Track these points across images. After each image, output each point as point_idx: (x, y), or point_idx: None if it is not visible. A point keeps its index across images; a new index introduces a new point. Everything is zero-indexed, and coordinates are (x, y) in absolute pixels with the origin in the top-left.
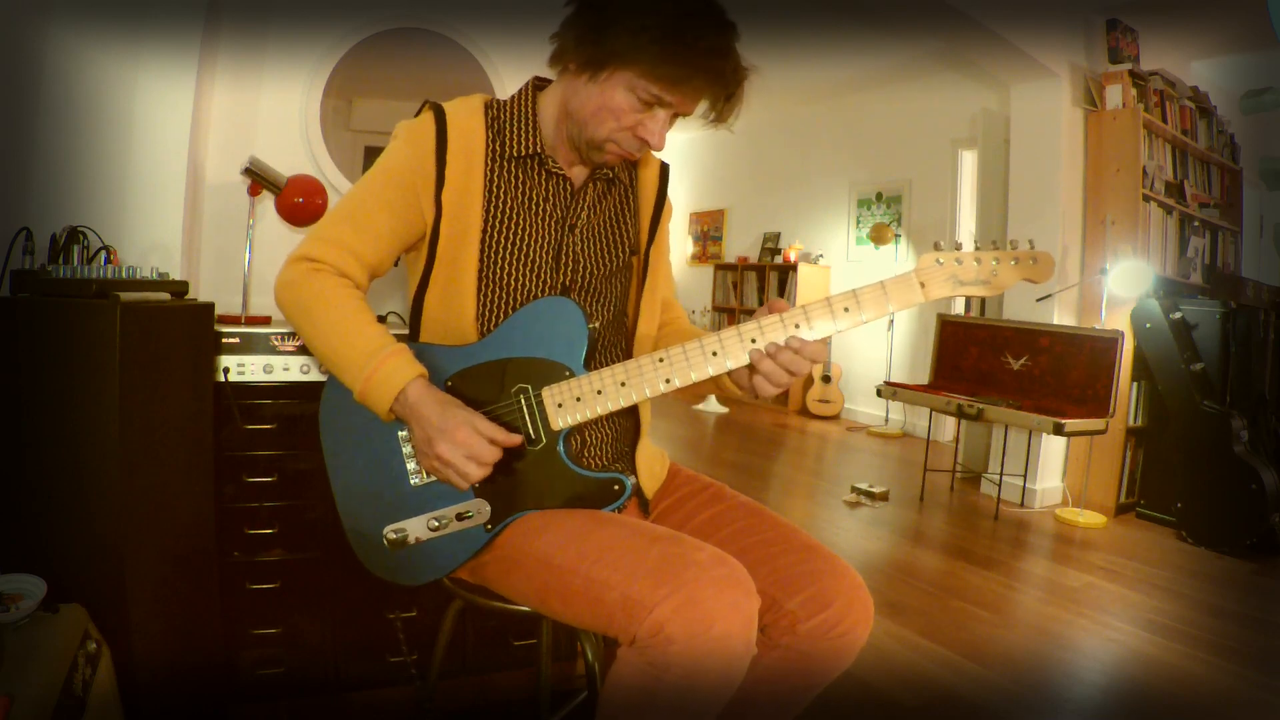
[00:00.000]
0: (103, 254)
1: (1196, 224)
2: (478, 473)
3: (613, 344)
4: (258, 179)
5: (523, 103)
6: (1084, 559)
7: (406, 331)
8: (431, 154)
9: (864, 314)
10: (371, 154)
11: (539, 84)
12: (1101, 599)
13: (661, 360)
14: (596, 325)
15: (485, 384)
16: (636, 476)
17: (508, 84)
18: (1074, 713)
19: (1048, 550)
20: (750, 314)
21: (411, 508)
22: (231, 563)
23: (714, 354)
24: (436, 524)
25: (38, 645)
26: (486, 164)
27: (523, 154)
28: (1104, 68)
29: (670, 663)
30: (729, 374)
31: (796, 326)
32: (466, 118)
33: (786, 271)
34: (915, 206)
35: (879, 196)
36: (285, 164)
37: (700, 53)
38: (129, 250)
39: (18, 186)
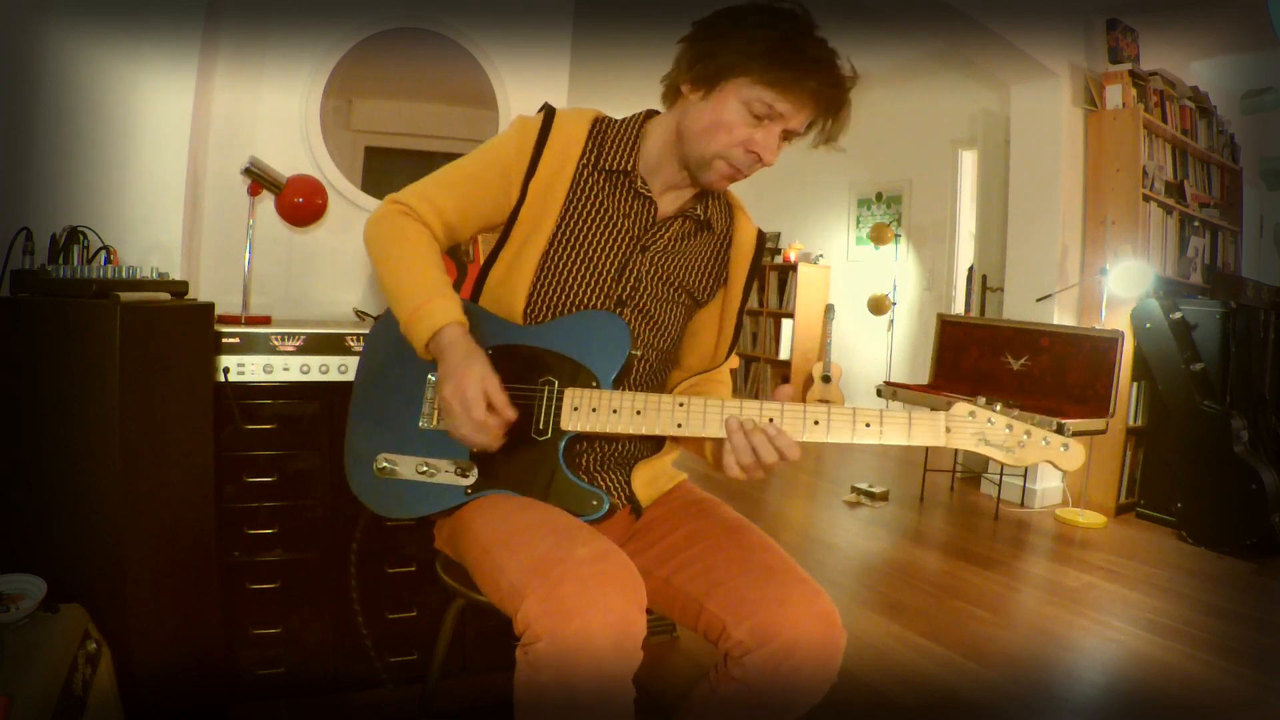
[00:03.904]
0: (103, 254)
1: (1196, 224)
2: (466, 424)
3: (659, 373)
4: (258, 179)
5: (630, 124)
6: (1084, 559)
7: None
8: (531, 145)
9: (885, 436)
10: (371, 154)
11: (651, 113)
12: (1101, 599)
13: (681, 405)
14: (638, 353)
15: (520, 364)
16: (631, 486)
17: (508, 84)
18: (1074, 713)
19: (1048, 550)
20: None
21: (409, 446)
22: (231, 563)
23: (730, 419)
24: (426, 469)
25: (38, 645)
26: (578, 169)
27: (614, 169)
28: (1104, 68)
29: (541, 661)
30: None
31: (816, 424)
32: (572, 124)
33: (786, 271)
34: (915, 206)
35: (879, 196)
36: (285, 164)
37: (809, 59)
38: (129, 250)
39: (18, 186)
